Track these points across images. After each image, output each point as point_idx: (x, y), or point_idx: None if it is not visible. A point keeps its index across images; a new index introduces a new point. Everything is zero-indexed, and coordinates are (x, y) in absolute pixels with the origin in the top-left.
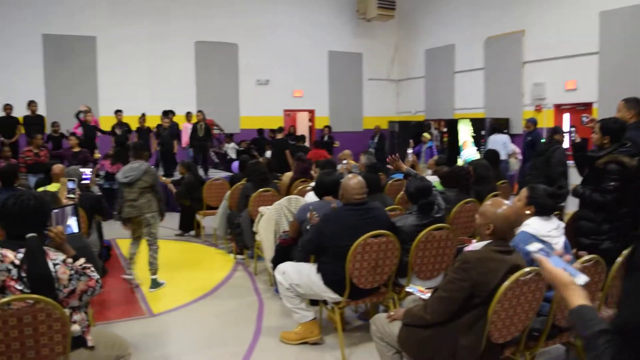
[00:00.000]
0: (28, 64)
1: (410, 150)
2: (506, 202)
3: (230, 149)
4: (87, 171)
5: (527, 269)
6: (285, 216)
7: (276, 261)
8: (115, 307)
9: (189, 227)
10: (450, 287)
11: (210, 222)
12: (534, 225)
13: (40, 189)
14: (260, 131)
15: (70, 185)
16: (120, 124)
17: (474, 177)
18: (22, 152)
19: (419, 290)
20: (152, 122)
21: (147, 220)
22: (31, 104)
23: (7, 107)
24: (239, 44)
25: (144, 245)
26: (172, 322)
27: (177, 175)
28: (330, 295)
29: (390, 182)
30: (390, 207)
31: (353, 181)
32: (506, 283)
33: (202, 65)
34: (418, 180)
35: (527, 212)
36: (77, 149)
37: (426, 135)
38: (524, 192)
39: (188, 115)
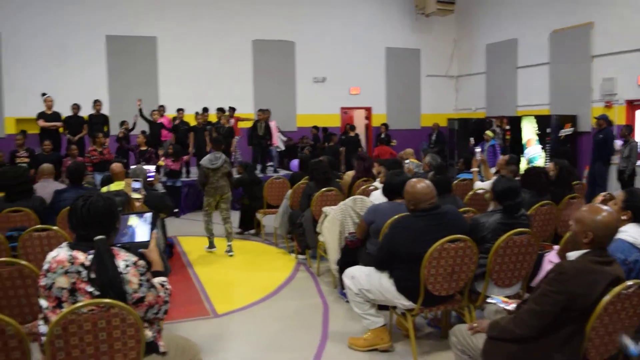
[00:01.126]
0: (93, 65)
1: (478, 149)
2: (605, 207)
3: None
4: (151, 169)
5: (630, 282)
6: (350, 217)
7: (342, 263)
8: (180, 306)
9: (249, 225)
10: (544, 300)
11: (271, 220)
12: (631, 232)
13: (104, 188)
14: (325, 129)
15: (136, 185)
16: (182, 122)
17: (556, 177)
18: (88, 151)
19: (502, 301)
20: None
21: (226, 200)
22: (96, 103)
23: (75, 107)
24: (296, 41)
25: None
26: (237, 324)
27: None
28: (402, 301)
29: (456, 182)
30: (463, 209)
31: (421, 186)
32: (607, 297)
33: (260, 63)
34: (506, 180)
35: (624, 217)
36: (144, 147)
37: (489, 133)
38: (621, 195)
39: (231, 111)
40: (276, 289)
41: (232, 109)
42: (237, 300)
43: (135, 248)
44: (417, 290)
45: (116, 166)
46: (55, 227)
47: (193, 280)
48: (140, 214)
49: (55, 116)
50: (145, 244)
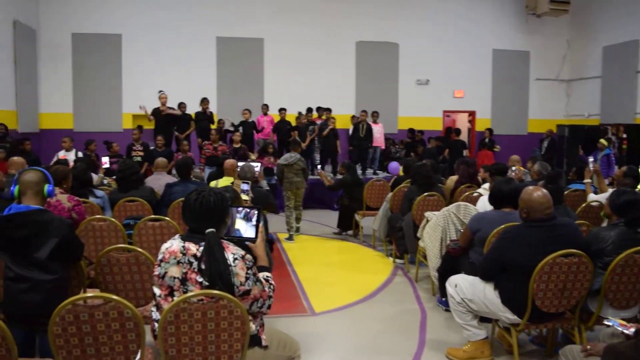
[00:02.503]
0: (203, 65)
1: (591, 159)
2: None
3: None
4: (256, 166)
5: None
6: (453, 224)
7: (443, 271)
8: (279, 302)
9: (347, 226)
10: None
11: (369, 222)
12: None
13: (212, 183)
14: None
15: (245, 187)
16: (283, 121)
17: None
18: (205, 144)
19: (620, 324)
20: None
21: (300, 194)
22: (203, 102)
23: (182, 105)
24: (400, 43)
25: (303, 249)
26: (334, 323)
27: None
28: (507, 315)
29: (566, 192)
30: (578, 222)
31: (538, 194)
32: None
33: (363, 65)
34: (630, 192)
35: None
36: (237, 145)
37: (603, 141)
38: None
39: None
40: (373, 291)
41: (327, 110)
42: (335, 300)
43: (242, 242)
44: (523, 305)
45: (228, 162)
46: (167, 218)
47: (292, 277)
48: (248, 208)
49: (167, 116)
50: (252, 239)
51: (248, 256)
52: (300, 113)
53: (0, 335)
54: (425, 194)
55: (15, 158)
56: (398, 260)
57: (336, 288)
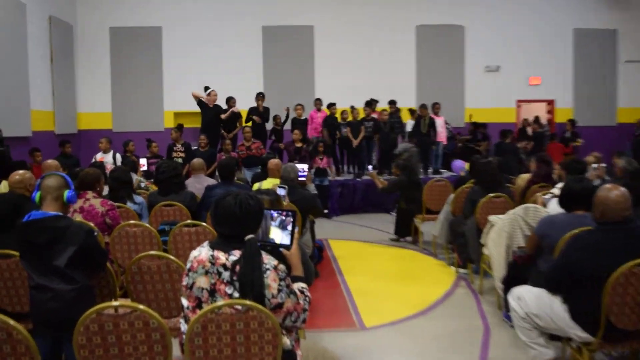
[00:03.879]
0: (248, 57)
1: None
2: None
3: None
4: (303, 167)
5: None
6: (520, 229)
7: (508, 281)
8: (326, 315)
9: (405, 232)
10: None
11: (430, 228)
12: None
13: (256, 185)
14: (483, 125)
15: (281, 191)
16: (331, 117)
17: None
18: (238, 146)
19: None
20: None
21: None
22: (258, 98)
23: (232, 101)
24: (466, 25)
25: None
26: (385, 339)
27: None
28: (577, 332)
29: None
30: None
31: (615, 193)
32: None
33: (424, 51)
34: None
35: None
36: (299, 144)
37: None
38: None
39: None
40: (432, 304)
41: (391, 103)
42: (388, 314)
43: (275, 250)
44: (596, 321)
45: (272, 162)
46: (204, 224)
47: (341, 288)
48: (283, 212)
49: (216, 110)
50: (286, 246)
51: (281, 266)
52: (352, 107)
53: (24, 344)
54: (491, 195)
55: (49, 161)
56: (461, 270)
57: (390, 300)
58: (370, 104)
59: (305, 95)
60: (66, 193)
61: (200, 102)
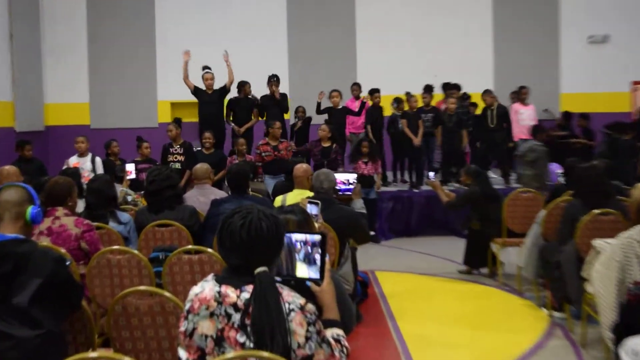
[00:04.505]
0: (268, 31)
1: None
2: None
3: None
4: (348, 178)
5: None
6: (637, 257)
7: (620, 330)
8: None
9: (479, 261)
10: None
11: (513, 256)
12: None
13: (278, 199)
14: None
15: (313, 210)
16: (375, 107)
17: None
18: (258, 145)
19: None
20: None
21: None
22: (271, 81)
23: (245, 86)
24: None
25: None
26: None
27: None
28: None
29: None
30: None
31: None
32: None
33: (503, 20)
34: None
35: None
36: (327, 143)
37: None
38: None
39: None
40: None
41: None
42: None
43: (301, 285)
44: None
45: (299, 168)
46: (209, 250)
47: (392, 336)
48: (311, 235)
49: (218, 96)
50: (316, 280)
51: (310, 306)
52: (408, 94)
53: None
54: (596, 211)
55: (6, 168)
56: (556, 314)
57: (458, 352)
58: (430, 89)
59: (342, 79)
60: (29, 210)
61: (196, 91)
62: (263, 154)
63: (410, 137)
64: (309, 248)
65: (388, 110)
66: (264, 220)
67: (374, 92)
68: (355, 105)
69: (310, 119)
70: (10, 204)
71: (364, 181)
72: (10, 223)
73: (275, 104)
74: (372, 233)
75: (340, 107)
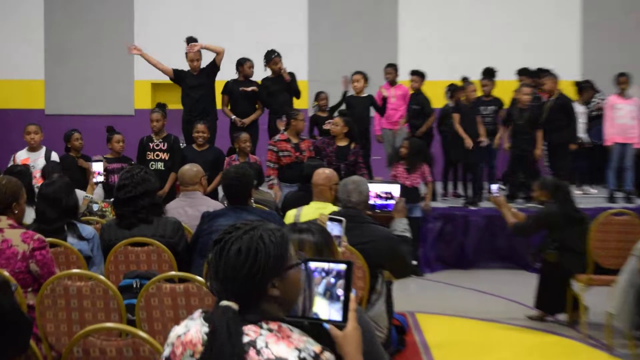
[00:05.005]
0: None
1: None
2: None
3: None
4: (388, 190)
5: None
6: None
7: None
8: None
9: (555, 305)
10: None
11: (600, 298)
12: None
13: (291, 213)
14: None
15: (335, 229)
16: (418, 94)
17: None
18: (274, 141)
19: None
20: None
21: None
22: (272, 59)
23: (245, 64)
24: None
25: None
26: None
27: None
28: None
29: None
30: None
31: None
32: None
33: None
34: None
35: None
36: (343, 142)
37: None
38: None
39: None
40: None
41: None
42: None
43: (318, 328)
44: None
45: (323, 175)
46: (199, 278)
47: None
48: (332, 263)
49: (203, 78)
50: (337, 323)
51: (327, 355)
52: (466, 80)
53: None
54: None
55: None
56: None
57: None
58: (491, 73)
59: (378, 56)
60: None
61: (177, 75)
62: (280, 154)
63: (463, 138)
64: (332, 279)
65: (439, 100)
66: (270, 244)
67: (416, 74)
68: (391, 94)
69: (345, 112)
70: None
71: (408, 194)
72: None
73: (283, 88)
74: (414, 262)
75: (365, 94)
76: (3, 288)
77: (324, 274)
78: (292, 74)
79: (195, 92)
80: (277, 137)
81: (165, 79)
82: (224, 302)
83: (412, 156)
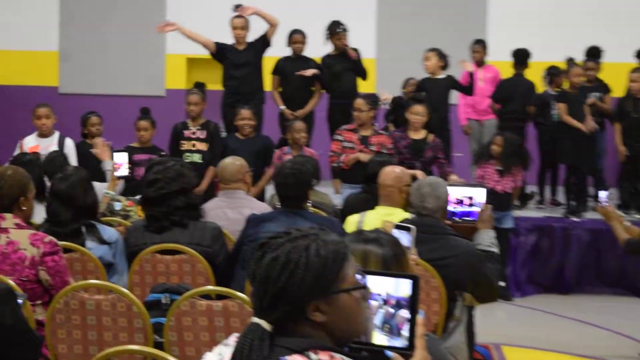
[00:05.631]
0: None
1: None
2: None
3: None
4: (471, 194)
5: None
6: None
7: None
8: None
9: None
10: None
11: None
12: None
13: (352, 219)
14: None
15: (404, 238)
16: (518, 78)
17: None
18: (340, 130)
19: None
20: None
21: None
22: (334, 33)
23: (295, 36)
24: None
25: None
26: None
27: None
28: None
29: None
30: None
31: None
32: None
33: None
34: None
35: None
36: (420, 134)
37: None
38: None
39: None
40: None
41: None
42: None
43: (379, 356)
44: None
45: (393, 175)
46: (241, 295)
47: None
48: (392, 278)
49: (250, 55)
50: (403, 351)
51: None
52: (571, 61)
53: None
54: None
55: None
56: None
57: None
58: (596, 53)
59: (463, 33)
60: None
61: (220, 50)
62: (344, 145)
63: (577, 127)
64: (391, 309)
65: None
66: (314, 258)
67: (519, 55)
68: (479, 78)
69: (421, 99)
70: None
71: (495, 201)
72: None
73: (348, 67)
74: (501, 284)
75: (442, 75)
76: (6, 299)
77: (382, 302)
78: (356, 50)
79: (240, 71)
80: (343, 126)
81: (204, 53)
82: (255, 319)
83: (507, 156)
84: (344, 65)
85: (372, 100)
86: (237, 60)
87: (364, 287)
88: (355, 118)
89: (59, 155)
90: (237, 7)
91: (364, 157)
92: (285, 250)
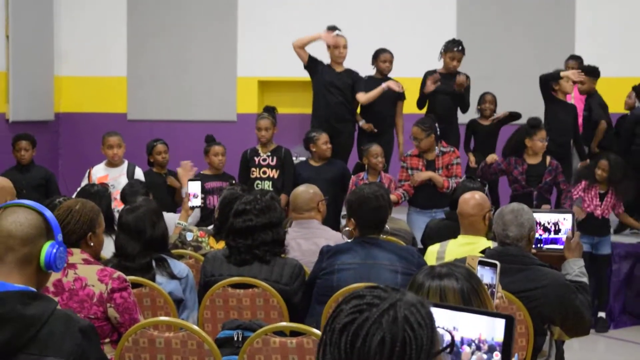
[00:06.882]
0: None
1: None
2: None
3: None
4: (557, 219)
5: None
6: None
7: None
8: None
9: None
10: None
11: None
12: None
13: (433, 249)
14: None
15: (487, 278)
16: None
17: None
18: (405, 156)
19: None
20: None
21: None
22: (452, 49)
23: (381, 56)
24: None
25: None
26: None
27: None
28: None
29: None
30: None
31: None
32: None
33: None
34: None
35: None
36: (537, 159)
37: None
38: None
39: None
40: None
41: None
42: None
43: None
44: None
45: (470, 201)
46: (315, 331)
47: None
48: (487, 316)
49: (346, 79)
50: None
51: None
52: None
53: None
54: None
55: None
56: None
57: None
58: None
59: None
60: (46, 248)
61: (311, 64)
62: (410, 172)
63: None
64: (485, 355)
65: (616, 104)
66: (420, 330)
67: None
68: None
69: (516, 116)
70: (16, 240)
71: (593, 226)
72: (15, 268)
73: (449, 90)
74: (601, 315)
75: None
76: (90, 336)
77: (475, 347)
78: (468, 78)
79: (333, 96)
80: (409, 152)
81: (273, 75)
82: None
83: (618, 181)
84: (445, 88)
85: (428, 125)
86: (335, 82)
87: (453, 345)
88: (417, 148)
89: (138, 184)
90: (332, 28)
91: (436, 176)
92: (387, 329)
